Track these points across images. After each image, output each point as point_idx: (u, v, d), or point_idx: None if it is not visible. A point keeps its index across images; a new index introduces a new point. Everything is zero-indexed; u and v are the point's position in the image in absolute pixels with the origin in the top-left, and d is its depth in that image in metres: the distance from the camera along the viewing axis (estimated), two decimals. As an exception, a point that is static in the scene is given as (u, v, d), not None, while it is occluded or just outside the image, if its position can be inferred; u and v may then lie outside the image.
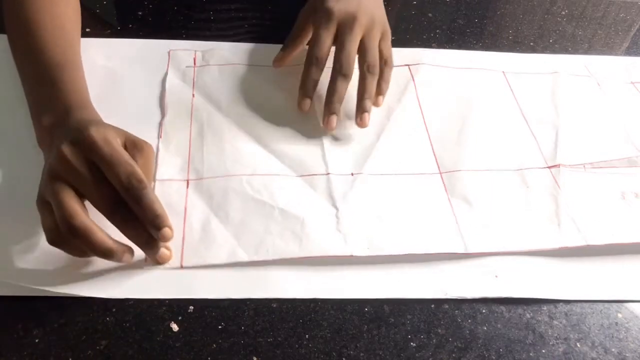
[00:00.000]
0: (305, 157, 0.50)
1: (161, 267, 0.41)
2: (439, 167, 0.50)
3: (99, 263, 0.41)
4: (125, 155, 0.39)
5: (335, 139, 0.52)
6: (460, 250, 0.44)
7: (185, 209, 0.45)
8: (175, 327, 0.39)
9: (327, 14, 0.51)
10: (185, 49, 0.59)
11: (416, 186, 0.49)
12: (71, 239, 0.37)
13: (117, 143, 0.40)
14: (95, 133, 0.39)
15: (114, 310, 0.39)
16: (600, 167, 0.51)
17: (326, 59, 0.52)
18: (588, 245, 0.45)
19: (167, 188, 0.46)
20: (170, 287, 0.40)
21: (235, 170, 0.48)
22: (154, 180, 0.46)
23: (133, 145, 0.41)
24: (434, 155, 0.51)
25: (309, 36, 0.55)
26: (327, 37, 0.51)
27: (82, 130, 0.39)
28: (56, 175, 0.39)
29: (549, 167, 0.51)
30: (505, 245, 0.45)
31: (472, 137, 0.53)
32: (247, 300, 0.41)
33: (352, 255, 0.43)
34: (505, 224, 0.46)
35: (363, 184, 0.48)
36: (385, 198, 0.47)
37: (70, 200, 0.38)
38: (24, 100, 0.48)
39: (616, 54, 0.68)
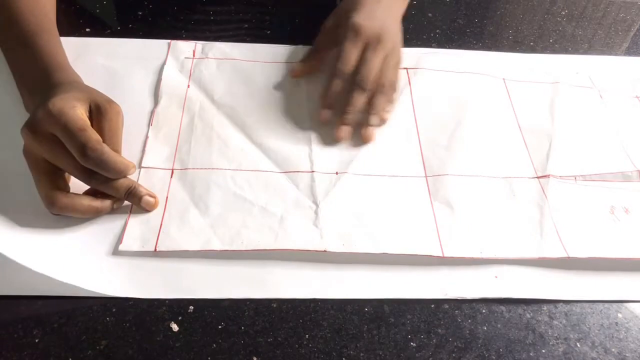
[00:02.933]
0: (292, 154, 0.50)
1: (158, 263, 0.41)
2: (425, 171, 0.50)
3: (99, 260, 0.41)
4: (77, 125, 0.40)
5: (324, 138, 0.52)
6: (436, 253, 0.44)
7: (167, 197, 0.46)
8: (175, 327, 0.39)
9: (356, 30, 0.53)
10: (186, 41, 0.60)
11: (400, 188, 0.49)
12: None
13: (74, 112, 0.41)
14: (51, 106, 0.41)
15: (114, 310, 0.39)
16: (592, 180, 0.51)
17: (351, 74, 0.52)
18: (569, 258, 0.44)
19: (152, 176, 0.47)
20: (170, 287, 0.41)
21: (220, 163, 0.48)
22: (139, 167, 0.48)
23: (98, 110, 0.43)
24: (422, 158, 0.51)
25: (331, 50, 0.55)
26: (354, 52, 0.52)
27: (43, 105, 0.41)
28: (28, 152, 0.42)
29: (537, 178, 0.50)
30: (483, 252, 0.44)
31: (462, 142, 0.53)
32: (247, 300, 0.41)
33: (325, 251, 0.43)
34: (486, 231, 0.46)
35: (346, 182, 0.48)
36: (366, 197, 0.47)
37: (46, 181, 0.42)
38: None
39: (616, 54, 0.68)
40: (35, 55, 0.48)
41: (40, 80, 0.46)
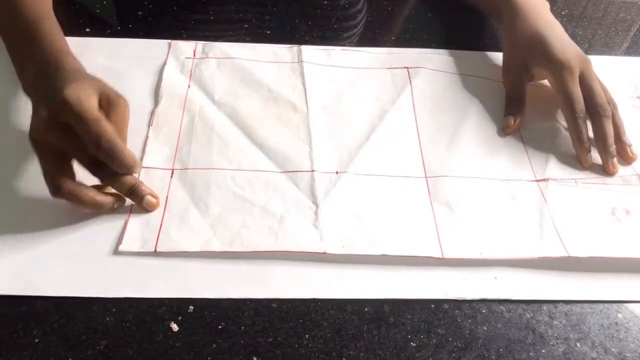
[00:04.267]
0: (292, 153, 0.50)
1: (158, 263, 0.41)
2: (425, 171, 0.50)
3: (99, 261, 0.41)
4: (94, 115, 0.41)
5: (325, 137, 0.52)
6: (436, 254, 0.44)
7: (167, 197, 0.46)
8: (175, 327, 0.39)
9: (568, 68, 0.53)
10: (186, 41, 0.60)
11: (400, 188, 0.48)
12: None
13: (90, 103, 0.41)
14: (68, 95, 0.41)
15: (114, 310, 0.39)
16: (593, 183, 0.51)
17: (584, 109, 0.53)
18: (569, 257, 0.44)
19: (152, 176, 0.47)
20: (170, 287, 0.40)
21: (220, 164, 0.49)
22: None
23: (108, 102, 0.43)
24: (422, 159, 0.51)
25: (521, 88, 0.56)
26: (577, 89, 0.53)
27: (57, 91, 0.41)
28: (37, 137, 0.42)
29: (537, 181, 0.50)
30: (483, 253, 0.44)
31: (462, 144, 0.53)
32: (247, 300, 0.41)
33: (325, 253, 0.43)
34: (486, 232, 0.46)
35: (346, 182, 0.48)
36: (367, 198, 0.47)
37: (53, 167, 0.42)
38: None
39: (616, 54, 0.68)
40: (39, 41, 0.47)
41: (46, 64, 0.46)
